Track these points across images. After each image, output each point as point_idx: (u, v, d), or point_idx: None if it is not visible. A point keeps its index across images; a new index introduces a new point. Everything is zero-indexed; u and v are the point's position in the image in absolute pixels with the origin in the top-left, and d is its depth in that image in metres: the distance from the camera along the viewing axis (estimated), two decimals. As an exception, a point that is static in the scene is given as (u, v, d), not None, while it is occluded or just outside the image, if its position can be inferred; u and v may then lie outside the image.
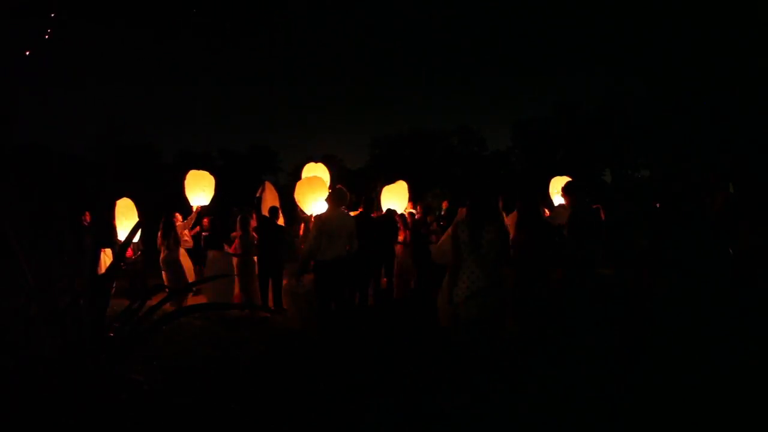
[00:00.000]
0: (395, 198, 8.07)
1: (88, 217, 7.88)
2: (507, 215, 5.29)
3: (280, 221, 7.21)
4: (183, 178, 7.33)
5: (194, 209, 7.31)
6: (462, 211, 4.55)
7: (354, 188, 9.02)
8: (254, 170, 38.76)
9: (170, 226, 7.16)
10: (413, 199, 8.94)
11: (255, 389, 3.77)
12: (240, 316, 6.33)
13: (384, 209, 7.87)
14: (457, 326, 3.78)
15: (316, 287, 4.87)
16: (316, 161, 8.12)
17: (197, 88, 79.27)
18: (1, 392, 2.69)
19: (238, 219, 6.65)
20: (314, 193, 7.01)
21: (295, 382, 3.93)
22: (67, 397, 2.71)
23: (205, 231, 7.38)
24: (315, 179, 7.29)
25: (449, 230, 3.91)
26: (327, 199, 5.55)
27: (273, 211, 6.87)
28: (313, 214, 6.88)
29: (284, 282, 6.43)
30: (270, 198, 7.31)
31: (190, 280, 7.03)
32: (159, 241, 7.14)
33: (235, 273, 6.64)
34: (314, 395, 3.64)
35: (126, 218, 7.15)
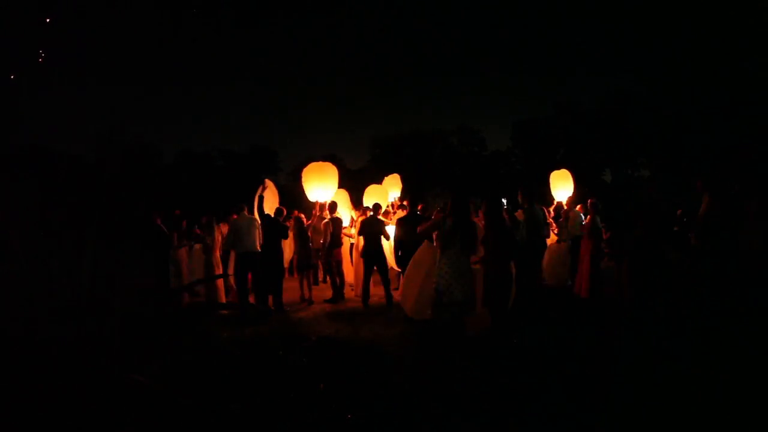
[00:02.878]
0: (378, 195, 8.22)
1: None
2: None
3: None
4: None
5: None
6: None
7: (354, 188, 9.04)
8: (254, 170, 38.73)
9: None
10: (404, 195, 9.06)
11: (255, 389, 3.76)
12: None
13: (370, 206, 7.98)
14: (440, 310, 4.15)
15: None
16: (317, 161, 8.13)
17: (197, 88, 79.27)
18: (2, 392, 2.69)
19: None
20: (322, 180, 7.48)
21: (295, 382, 3.92)
22: (67, 397, 2.71)
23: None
24: (326, 165, 7.58)
25: (430, 223, 4.65)
26: (328, 209, 6.96)
27: (278, 212, 6.99)
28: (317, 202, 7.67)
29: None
30: (271, 196, 7.32)
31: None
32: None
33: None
34: (314, 396, 3.63)
35: None
